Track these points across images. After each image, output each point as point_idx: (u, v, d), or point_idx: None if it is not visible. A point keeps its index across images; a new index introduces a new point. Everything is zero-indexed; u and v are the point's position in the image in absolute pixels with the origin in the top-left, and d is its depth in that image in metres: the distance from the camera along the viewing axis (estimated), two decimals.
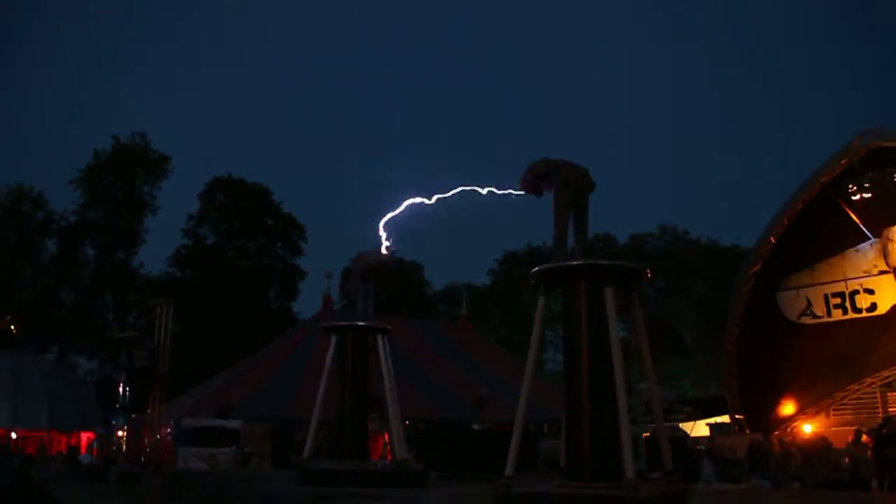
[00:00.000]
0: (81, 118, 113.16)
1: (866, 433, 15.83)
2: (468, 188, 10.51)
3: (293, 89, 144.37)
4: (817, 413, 22.33)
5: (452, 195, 10.77)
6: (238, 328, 42.51)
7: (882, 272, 21.64)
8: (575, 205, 8.22)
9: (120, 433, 25.80)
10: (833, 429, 20.94)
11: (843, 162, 21.51)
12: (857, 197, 21.57)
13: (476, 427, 20.78)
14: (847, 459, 15.17)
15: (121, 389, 22.71)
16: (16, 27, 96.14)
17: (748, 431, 21.94)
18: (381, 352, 12.05)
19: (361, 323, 12.34)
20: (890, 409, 21.28)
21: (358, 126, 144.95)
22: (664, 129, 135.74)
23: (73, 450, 24.90)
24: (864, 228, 21.90)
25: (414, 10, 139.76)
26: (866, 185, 21.36)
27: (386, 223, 11.95)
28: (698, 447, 17.22)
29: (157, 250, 47.51)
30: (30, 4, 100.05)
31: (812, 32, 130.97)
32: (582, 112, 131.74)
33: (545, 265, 7.92)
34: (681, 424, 25.90)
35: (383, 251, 12.31)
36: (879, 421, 16.99)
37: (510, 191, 9.47)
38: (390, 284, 37.30)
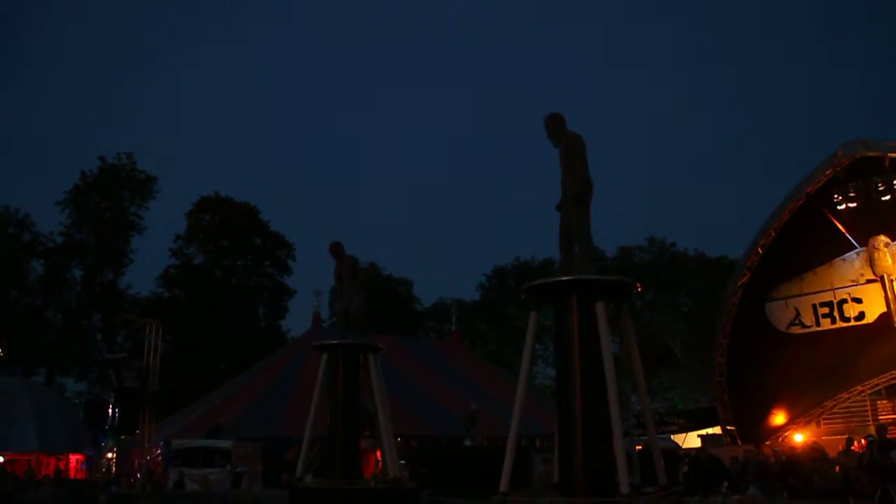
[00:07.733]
0: (68, 139, 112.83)
1: (858, 440, 15.83)
2: None
3: (281, 105, 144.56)
4: (808, 422, 22.38)
5: None
6: (227, 347, 42.27)
7: (869, 281, 21.82)
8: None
9: (109, 455, 25.58)
10: (824, 438, 20.97)
11: (828, 172, 21.80)
12: (843, 206, 21.86)
13: (467, 443, 20.70)
14: (838, 468, 15.19)
15: (110, 411, 22.44)
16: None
17: (740, 442, 21.97)
18: (372, 369, 11.97)
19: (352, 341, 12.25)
20: (880, 418, 21.36)
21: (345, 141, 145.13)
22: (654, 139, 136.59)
23: (61, 472, 24.64)
24: (849, 237, 22.09)
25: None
26: (851, 194, 21.65)
27: None
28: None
29: (145, 270, 47.27)
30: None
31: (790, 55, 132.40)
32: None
33: (537, 281, 7.84)
34: (672, 436, 25.98)
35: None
36: (871, 429, 17.01)
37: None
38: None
